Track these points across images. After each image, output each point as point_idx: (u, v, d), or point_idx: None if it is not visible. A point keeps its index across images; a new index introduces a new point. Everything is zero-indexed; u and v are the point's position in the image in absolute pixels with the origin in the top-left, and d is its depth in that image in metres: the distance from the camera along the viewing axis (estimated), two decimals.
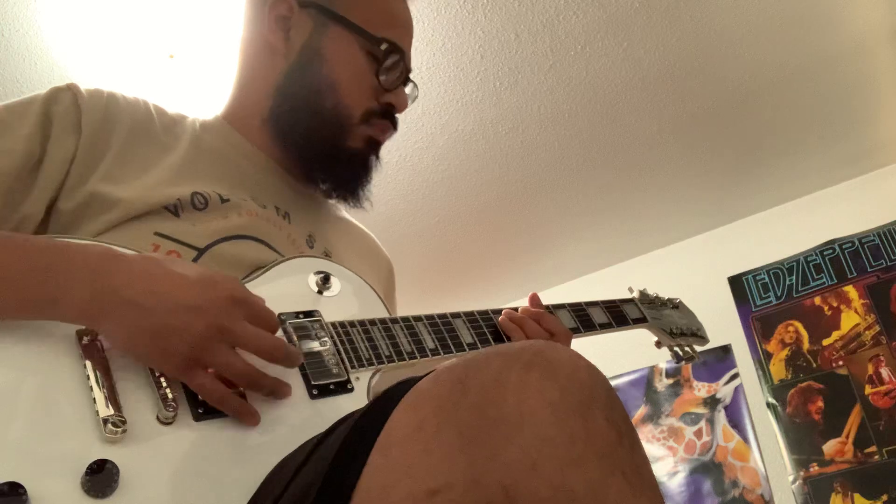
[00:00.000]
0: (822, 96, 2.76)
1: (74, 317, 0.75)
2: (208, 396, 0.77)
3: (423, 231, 3.32)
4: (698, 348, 1.45)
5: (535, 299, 1.20)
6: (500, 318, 1.14)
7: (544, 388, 0.59)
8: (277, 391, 0.81)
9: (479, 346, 1.06)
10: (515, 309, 1.16)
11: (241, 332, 0.77)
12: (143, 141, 1.02)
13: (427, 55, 2.41)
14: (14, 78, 2.31)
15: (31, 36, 2.19)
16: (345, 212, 1.26)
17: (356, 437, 0.64)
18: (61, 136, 0.94)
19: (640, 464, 0.59)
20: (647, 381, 3.55)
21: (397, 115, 1.15)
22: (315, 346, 0.90)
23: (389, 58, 1.10)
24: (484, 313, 1.12)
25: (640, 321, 1.34)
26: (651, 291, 1.44)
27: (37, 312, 0.74)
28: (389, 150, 2.70)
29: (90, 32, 2.20)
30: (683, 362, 1.42)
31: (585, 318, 1.24)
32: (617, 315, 1.30)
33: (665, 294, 1.50)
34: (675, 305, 1.47)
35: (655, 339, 1.40)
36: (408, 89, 1.16)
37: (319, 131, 1.08)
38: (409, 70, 1.15)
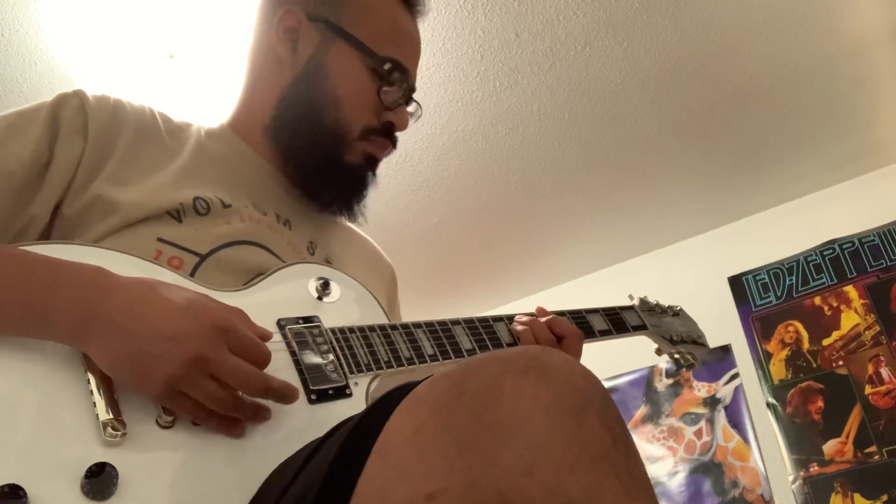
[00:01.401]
0: (822, 96, 2.76)
1: (64, 337, 0.75)
2: (191, 418, 0.77)
3: (423, 231, 3.32)
4: (699, 356, 1.45)
5: (541, 312, 1.21)
6: (511, 323, 1.15)
7: (539, 393, 0.59)
8: (257, 416, 0.81)
9: (478, 352, 1.06)
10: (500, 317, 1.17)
11: (221, 364, 0.76)
12: (148, 145, 1.03)
13: (427, 55, 2.41)
14: (14, 78, 2.32)
15: (31, 36, 2.19)
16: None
17: (354, 440, 0.65)
18: (68, 139, 0.96)
19: (635, 467, 0.60)
20: (647, 381, 3.55)
21: (397, 134, 1.15)
22: (314, 351, 0.91)
23: (392, 77, 1.11)
24: (483, 320, 1.12)
25: (639, 328, 1.34)
26: (651, 299, 1.44)
27: (27, 331, 0.75)
28: None
29: (90, 32, 2.20)
30: (684, 370, 1.42)
31: (585, 325, 1.25)
32: (617, 322, 1.31)
33: (666, 295, 1.50)
34: (676, 313, 1.47)
35: (656, 346, 1.40)
36: (410, 108, 1.17)
37: (318, 144, 1.09)
38: (412, 90, 1.16)
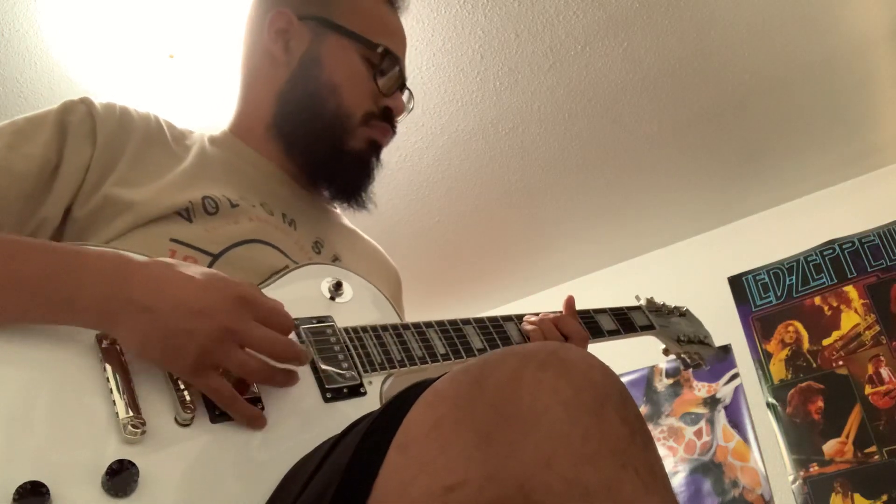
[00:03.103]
0: (822, 96, 2.77)
1: (90, 322, 0.76)
2: (217, 399, 0.78)
3: (423, 231, 3.32)
4: (706, 355, 1.46)
5: (570, 301, 1.23)
6: (521, 323, 1.17)
7: (558, 387, 0.59)
8: (289, 381, 0.83)
9: (489, 350, 1.07)
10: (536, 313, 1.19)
11: (249, 333, 0.78)
12: (155, 149, 1.05)
13: (427, 55, 2.41)
14: (14, 78, 2.31)
15: (31, 36, 2.19)
16: (350, 222, 1.28)
17: (373, 435, 0.65)
18: (77, 144, 0.97)
19: (653, 461, 0.60)
20: (647, 380, 3.56)
21: (396, 120, 1.18)
22: (328, 350, 0.92)
23: (385, 61, 1.14)
24: (494, 320, 1.14)
25: (647, 328, 1.35)
26: (658, 299, 1.45)
27: (54, 317, 0.75)
28: (389, 149, 2.65)
29: (90, 32, 2.20)
30: (692, 369, 1.44)
31: (593, 325, 1.26)
32: (625, 322, 1.32)
33: (666, 295, 1.51)
34: (683, 313, 1.48)
35: (663, 346, 1.41)
36: (404, 98, 1.19)
37: (322, 133, 1.11)
38: (404, 78, 1.18)
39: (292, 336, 0.89)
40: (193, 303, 0.76)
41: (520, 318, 1.18)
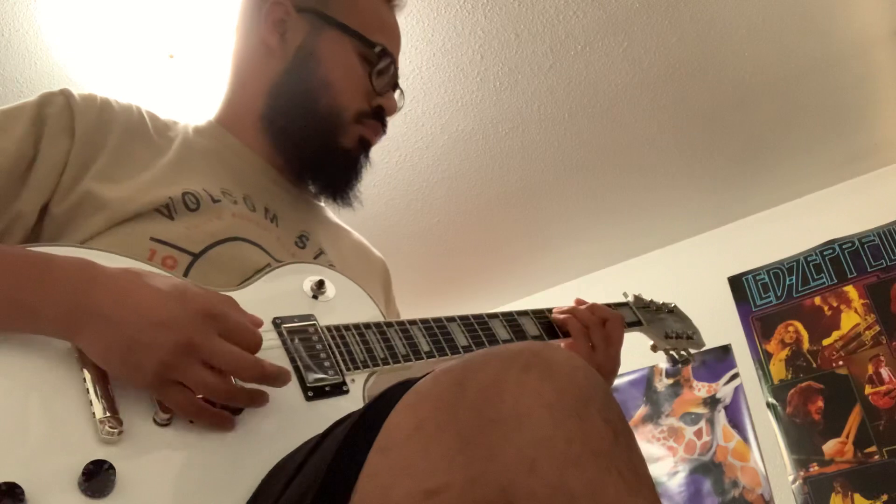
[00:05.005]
0: (822, 96, 2.76)
1: (54, 331, 0.74)
2: (181, 412, 0.75)
3: (423, 231, 3.32)
4: (694, 351, 1.46)
5: (580, 302, 1.24)
6: (552, 315, 1.18)
7: (542, 389, 0.59)
8: (254, 401, 0.80)
9: (474, 348, 1.07)
10: (526, 311, 1.20)
11: (211, 349, 0.75)
12: (137, 142, 1.02)
13: (427, 55, 2.41)
14: (14, 78, 2.32)
15: (31, 36, 2.19)
16: (335, 216, 1.27)
17: (355, 437, 0.65)
18: (54, 137, 0.94)
19: (637, 463, 0.60)
20: (647, 381, 3.55)
21: (387, 119, 1.17)
22: (310, 349, 0.91)
23: (382, 61, 1.13)
24: (479, 317, 1.13)
25: (635, 325, 1.35)
26: (646, 296, 1.44)
27: (18, 326, 0.74)
28: (389, 150, 2.72)
29: (90, 32, 2.20)
30: (680, 365, 1.43)
31: None
32: None
33: (666, 295, 1.51)
34: (671, 310, 1.48)
35: (651, 342, 1.41)
36: (395, 95, 1.19)
37: (314, 129, 1.10)
38: (398, 77, 1.18)
39: (277, 341, 0.89)
40: (155, 315, 0.73)
41: (507, 314, 1.16)
